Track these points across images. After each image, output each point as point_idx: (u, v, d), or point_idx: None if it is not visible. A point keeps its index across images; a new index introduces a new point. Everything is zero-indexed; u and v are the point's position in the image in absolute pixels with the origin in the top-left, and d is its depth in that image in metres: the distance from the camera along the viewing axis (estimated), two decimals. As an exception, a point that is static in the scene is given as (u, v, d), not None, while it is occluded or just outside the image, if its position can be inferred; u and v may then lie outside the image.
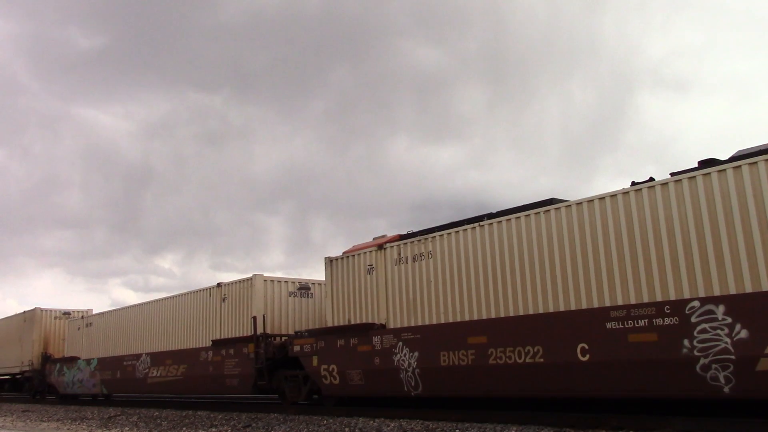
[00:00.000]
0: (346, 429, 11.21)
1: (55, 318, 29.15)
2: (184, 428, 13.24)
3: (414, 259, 13.64)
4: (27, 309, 30.18)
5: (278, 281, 17.94)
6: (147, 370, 21.33)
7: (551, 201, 11.52)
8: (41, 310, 29.10)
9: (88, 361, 25.14)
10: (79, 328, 26.77)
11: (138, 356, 22.02)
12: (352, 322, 14.61)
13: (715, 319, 8.89)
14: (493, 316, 11.86)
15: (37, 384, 28.60)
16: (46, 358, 28.37)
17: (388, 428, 10.88)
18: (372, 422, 11.69)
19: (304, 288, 18.37)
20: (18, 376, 30.27)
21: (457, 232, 12.79)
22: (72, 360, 26.42)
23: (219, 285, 19.01)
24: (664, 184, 9.88)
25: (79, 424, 15.68)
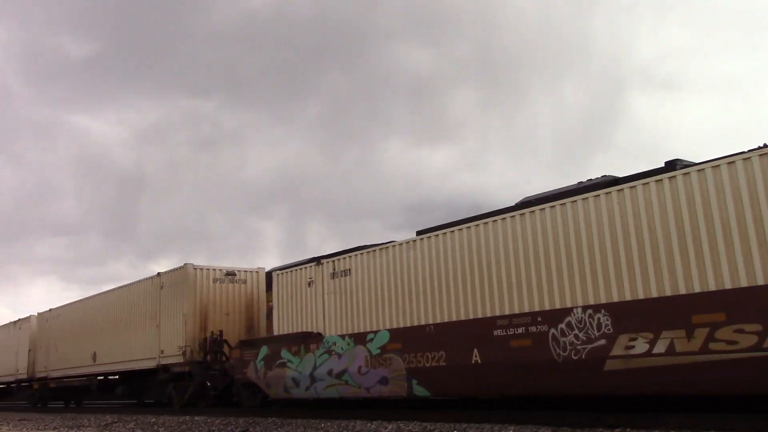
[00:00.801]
0: (344, 431, 11.22)
1: (215, 281, 20.74)
2: (182, 434, 13.22)
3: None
4: (166, 269, 22.09)
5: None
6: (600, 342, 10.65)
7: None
8: (194, 267, 20.51)
9: (361, 337, 14.75)
10: (310, 283, 16.60)
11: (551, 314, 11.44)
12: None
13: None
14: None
15: (209, 382, 19.91)
16: (217, 343, 19.67)
17: (386, 430, 10.89)
18: (370, 424, 11.70)
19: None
20: (160, 372, 21.16)
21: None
22: (301, 339, 16.31)
23: None
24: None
25: (75, 431, 15.64)
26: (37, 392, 30.66)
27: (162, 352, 20.95)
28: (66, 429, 16.39)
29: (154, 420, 16.82)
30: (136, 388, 23.97)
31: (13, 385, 34.01)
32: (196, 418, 16.31)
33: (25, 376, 31.12)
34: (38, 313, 31.98)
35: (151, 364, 21.37)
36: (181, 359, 19.81)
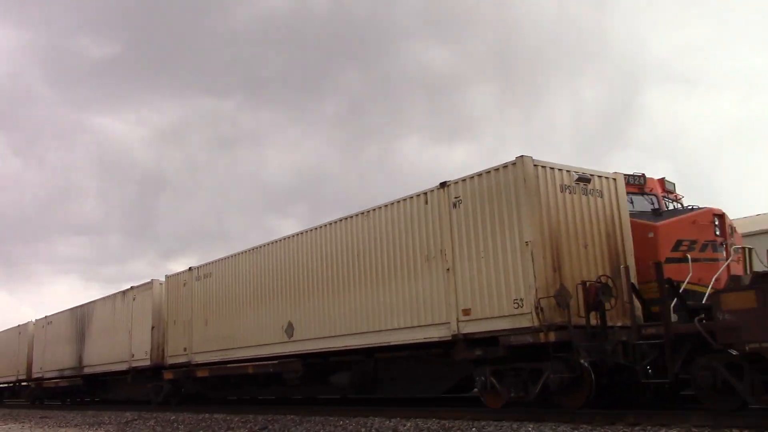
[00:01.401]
0: (363, 429, 11.23)
1: (564, 190, 12.25)
2: (201, 431, 13.29)
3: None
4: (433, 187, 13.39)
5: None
6: None
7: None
8: (535, 163, 11.99)
9: None
10: None
11: None
12: None
13: None
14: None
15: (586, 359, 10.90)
16: (605, 292, 11.30)
17: (405, 428, 10.88)
18: (388, 422, 11.69)
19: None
20: (457, 347, 12.64)
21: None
22: None
23: None
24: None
25: (96, 429, 15.77)
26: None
27: (465, 313, 12.23)
28: (87, 426, 16.54)
29: (173, 417, 16.90)
30: (389, 373, 15.19)
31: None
32: (216, 415, 16.37)
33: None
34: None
35: (436, 334, 12.78)
36: (529, 321, 11.21)
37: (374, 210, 14.42)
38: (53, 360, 30.26)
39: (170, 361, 21.42)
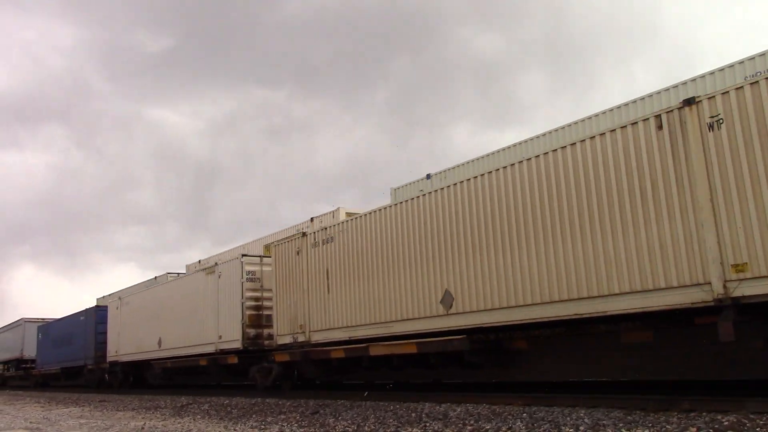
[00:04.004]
0: (413, 414, 11.24)
1: None
2: (254, 415, 13.47)
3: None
4: None
5: None
6: None
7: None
8: None
9: None
10: None
11: None
12: None
13: None
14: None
15: None
16: None
17: (455, 413, 10.86)
18: (438, 407, 11.69)
19: None
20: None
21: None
22: None
23: None
24: None
25: (153, 413, 16.10)
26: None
27: (738, 269, 9.14)
28: (144, 410, 16.90)
29: (227, 402, 17.18)
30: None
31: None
32: (268, 400, 16.59)
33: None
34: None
35: (685, 300, 9.65)
36: None
37: (585, 141, 11.17)
38: (130, 343, 28.74)
39: (280, 340, 18.52)
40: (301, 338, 17.59)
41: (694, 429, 7.59)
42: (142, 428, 12.49)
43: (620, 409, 9.48)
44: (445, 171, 22.25)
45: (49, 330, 40.39)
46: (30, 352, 43.83)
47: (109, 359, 30.86)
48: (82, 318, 34.80)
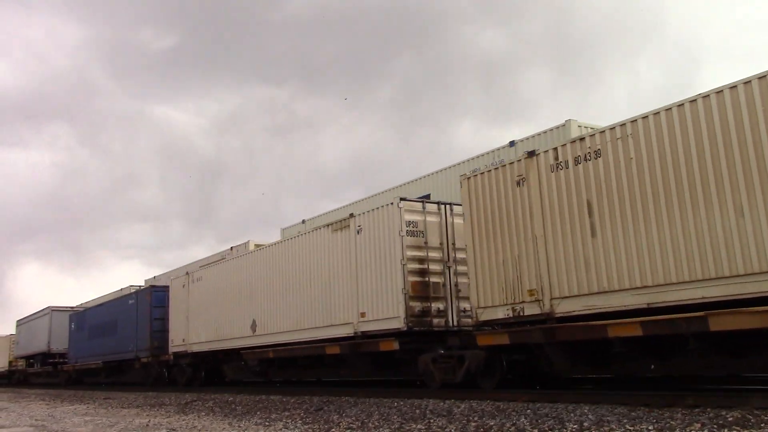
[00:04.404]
0: (417, 411, 11.23)
1: None
2: (258, 412, 13.48)
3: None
4: None
5: None
6: None
7: None
8: None
9: None
10: None
11: None
12: None
13: None
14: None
15: None
16: None
17: (459, 409, 10.86)
18: (442, 404, 11.69)
19: None
20: None
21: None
22: None
23: None
24: None
25: (157, 410, 16.12)
26: None
27: None
28: (148, 407, 16.93)
29: (231, 399, 17.21)
30: None
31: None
32: (272, 397, 16.62)
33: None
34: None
35: None
36: None
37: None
38: (205, 328, 23.42)
39: (484, 316, 13.09)
40: (530, 310, 12.27)
41: (699, 425, 7.57)
42: (147, 425, 12.51)
43: (624, 405, 9.48)
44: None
45: (85, 318, 35.15)
46: (58, 345, 38.79)
47: (172, 350, 25.48)
48: (131, 302, 29.48)
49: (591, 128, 14.67)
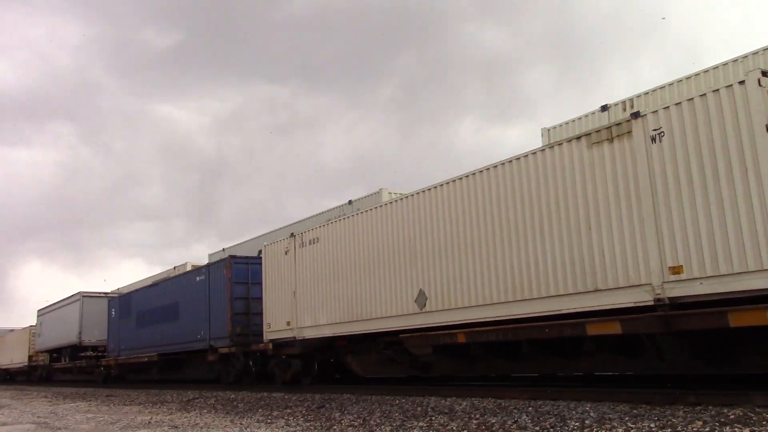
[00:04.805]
0: (419, 408, 11.24)
1: None
2: (260, 410, 13.50)
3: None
4: None
5: None
6: None
7: None
8: None
9: None
10: None
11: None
12: None
13: None
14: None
15: None
16: None
17: (461, 407, 10.86)
18: (444, 401, 11.70)
19: None
20: None
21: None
22: None
23: None
24: None
25: (159, 407, 16.15)
26: None
27: None
28: (150, 405, 16.96)
29: (233, 396, 17.23)
30: None
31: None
32: (274, 394, 16.64)
33: None
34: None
35: None
36: None
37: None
38: (324, 308, 16.97)
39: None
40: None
41: (700, 422, 7.56)
42: (149, 422, 12.53)
43: (626, 403, 9.47)
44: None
45: (131, 303, 29.25)
46: (91, 336, 33.67)
47: (269, 336, 19.30)
48: (199, 278, 23.60)
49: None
